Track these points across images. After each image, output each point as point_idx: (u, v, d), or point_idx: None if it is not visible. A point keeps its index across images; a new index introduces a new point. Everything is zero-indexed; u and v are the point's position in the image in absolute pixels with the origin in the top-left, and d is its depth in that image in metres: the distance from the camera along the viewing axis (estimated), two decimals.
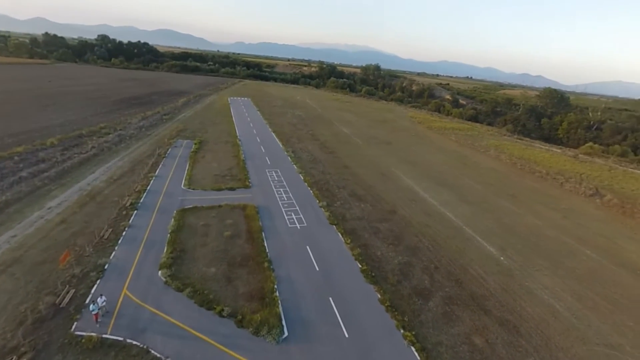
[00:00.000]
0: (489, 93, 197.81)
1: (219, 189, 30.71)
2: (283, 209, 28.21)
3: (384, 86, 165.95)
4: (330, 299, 18.21)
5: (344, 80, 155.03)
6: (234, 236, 23.21)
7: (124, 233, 22.42)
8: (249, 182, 33.02)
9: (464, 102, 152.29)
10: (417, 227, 27.83)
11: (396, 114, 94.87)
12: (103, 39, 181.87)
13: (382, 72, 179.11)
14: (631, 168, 63.51)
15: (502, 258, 24.96)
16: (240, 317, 16.00)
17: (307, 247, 22.86)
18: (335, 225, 26.34)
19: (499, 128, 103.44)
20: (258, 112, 73.59)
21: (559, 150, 72.76)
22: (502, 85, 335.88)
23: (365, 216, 28.67)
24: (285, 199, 30.37)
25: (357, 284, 19.73)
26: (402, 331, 16.50)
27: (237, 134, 51.76)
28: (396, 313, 17.63)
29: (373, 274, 20.64)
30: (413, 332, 16.44)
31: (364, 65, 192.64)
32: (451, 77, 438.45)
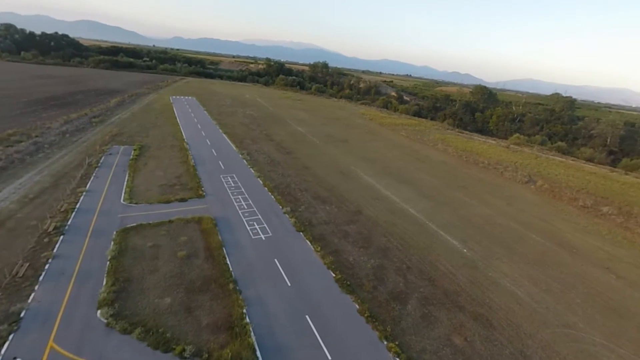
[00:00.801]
0: (428, 90, 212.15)
1: (168, 201, 27.10)
2: (244, 219, 25.82)
3: (332, 84, 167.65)
4: (307, 317, 16.72)
5: (294, 77, 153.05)
6: (191, 256, 20.38)
7: (46, 266, 18.22)
8: (202, 190, 29.79)
9: (408, 99, 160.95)
10: (384, 227, 27.60)
11: (348, 111, 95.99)
12: (8, 28, 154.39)
13: (330, 70, 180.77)
14: (551, 155, 72.34)
15: (465, 250, 25.84)
16: (207, 355, 13.72)
17: (276, 260, 21.02)
18: (302, 232, 24.83)
19: (441, 122, 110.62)
20: (205, 112, 68.31)
21: (494, 142, 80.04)
22: (437, 83, 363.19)
23: (332, 219, 27.63)
24: (246, 207, 27.94)
25: (334, 296, 18.53)
26: (385, 343, 15.71)
27: (184, 137, 47.06)
28: (377, 323, 16.81)
29: (348, 283, 19.62)
30: (396, 342, 15.75)
31: (311, 62, 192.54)
32: (393, 74, 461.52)
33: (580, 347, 17.69)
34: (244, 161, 39.55)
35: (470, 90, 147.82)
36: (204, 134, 50.46)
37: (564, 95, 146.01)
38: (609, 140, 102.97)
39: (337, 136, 60.63)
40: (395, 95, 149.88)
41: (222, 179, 33.46)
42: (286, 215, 27.16)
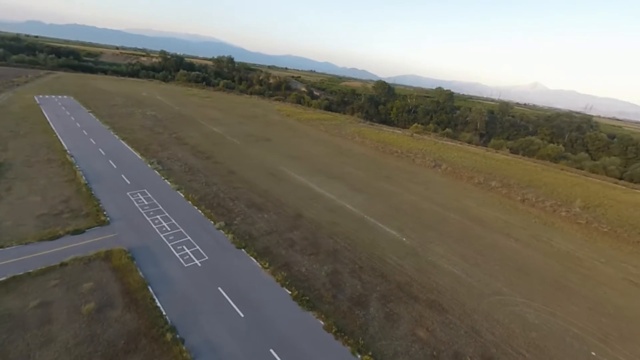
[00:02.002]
0: (334, 85, 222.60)
1: (55, 237, 20.39)
2: (170, 244, 21.38)
3: (241, 79, 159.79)
4: (272, 350, 14.54)
5: (197, 73, 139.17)
6: (103, 307, 15.56)
7: None
8: (104, 215, 23.52)
9: (318, 94, 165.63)
10: (327, 228, 26.83)
11: (263, 108, 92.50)
12: None
13: (236, 65, 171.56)
14: (444, 141, 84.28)
15: (404, 239, 27.17)
16: None
17: (220, 289, 17.88)
18: (244, 248, 21.98)
19: (351, 116, 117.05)
20: (92, 114, 55.46)
21: (400, 132, 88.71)
22: (340, 78, 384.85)
23: (274, 228, 25.42)
24: (169, 228, 23.26)
25: (295, 317, 16.71)
26: (359, 356, 14.85)
27: (66, 148, 36.86)
28: (346, 337, 15.80)
29: (307, 298, 18.05)
30: (370, 353, 15.07)
31: (215, 57, 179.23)
32: (298, 70, 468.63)
33: (509, 310, 20.30)
34: (156, 172, 33.25)
35: (373, 85, 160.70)
36: (94, 142, 40.66)
37: (444, 89, 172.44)
38: (478, 125, 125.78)
39: (258, 135, 57.38)
40: (305, 90, 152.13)
41: (131, 197, 27.25)
42: (221, 231, 23.71)
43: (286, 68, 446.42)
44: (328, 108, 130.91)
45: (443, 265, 24.11)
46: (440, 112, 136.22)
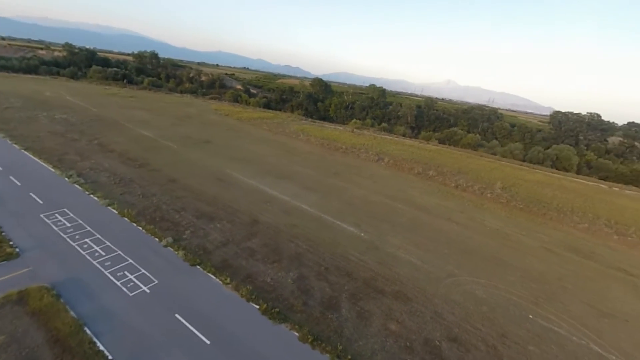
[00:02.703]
0: (271, 82, 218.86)
1: None
2: (106, 271, 18.19)
3: (168, 77, 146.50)
4: None
5: (115, 69, 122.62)
6: None
7: None
8: (10, 246, 18.92)
9: (255, 92, 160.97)
10: (286, 231, 25.92)
11: (198, 108, 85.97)
12: None
13: (162, 61, 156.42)
14: (383, 135, 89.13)
15: (362, 234, 27.72)
16: None
17: (178, 316, 15.79)
18: (199, 265, 19.88)
19: (291, 113, 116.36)
20: None
21: (341, 128, 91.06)
22: (275, 75, 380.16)
23: (230, 238, 23.57)
24: (103, 252, 19.79)
25: (267, 332, 15.64)
26: None
27: None
28: (323, 344, 15.34)
29: (277, 310, 17.06)
30: (349, 357, 14.85)
31: (135, 52, 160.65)
32: (230, 67, 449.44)
33: (463, 289, 22.14)
34: (77, 187, 28.07)
35: (310, 82, 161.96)
36: None
37: (377, 85, 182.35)
38: (409, 119, 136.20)
39: (197, 137, 53.00)
40: (242, 88, 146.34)
41: (46, 219, 22.47)
42: (169, 248, 21.08)
43: (218, 65, 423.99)
44: (267, 106, 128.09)
45: (401, 255, 25.22)
46: (375, 107, 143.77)
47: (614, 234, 39.54)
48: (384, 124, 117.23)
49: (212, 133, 57.65)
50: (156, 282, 17.93)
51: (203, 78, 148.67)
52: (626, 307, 23.87)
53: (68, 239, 20.63)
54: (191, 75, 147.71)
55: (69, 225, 22.20)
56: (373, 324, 17.36)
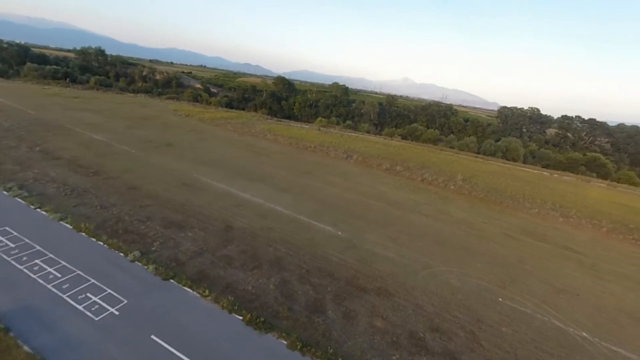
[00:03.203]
0: (231, 81, 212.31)
1: None
2: (64, 295, 16.21)
3: (118, 75, 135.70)
4: None
5: (55, 67, 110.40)
6: None
7: None
8: None
9: (215, 91, 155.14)
10: (263, 236, 25.17)
11: (155, 108, 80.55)
12: None
13: (109, 58, 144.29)
14: (349, 132, 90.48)
15: (339, 233, 27.80)
16: None
17: (154, 337, 14.53)
18: (172, 278, 18.52)
19: (255, 112, 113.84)
20: None
21: (307, 126, 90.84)
22: (235, 74, 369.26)
23: (204, 247, 22.30)
24: (58, 274, 17.60)
25: (254, 344, 15.00)
26: None
27: None
28: (313, 350, 15.07)
29: (262, 319, 16.42)
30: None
31: (77, 48, 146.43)
32: (186, 65, 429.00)
33: (439, 279, 23.10)
34: (19, 200, 24.69)
35: (273, 81, 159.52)
36: None
37: (339, 84, 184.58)
38: (372, 116, 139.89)
39: (157, 140, 49.58)
40: (201, 87, 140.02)
41: None
42: (137, 263, 19.38)
43: (172, 63, 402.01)
44: (229, 105, 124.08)
45: (379, 251, 25.69)
46: (338, 105, 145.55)
47: (559, 216, 43.82)
48: (349, 122, 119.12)
49: (173, 135, 54.28)
50: (125, 302, 16.38)
51: (157, 77, 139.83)
52: (576, 282, 26.53)
53: (13, 262, 18.08)
54: (144, 73, 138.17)
55: (12, 245, 19.48)
56: (359, 323, 17.44)
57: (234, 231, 25.10)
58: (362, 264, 23.44)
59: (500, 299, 22.12)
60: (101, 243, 20.84)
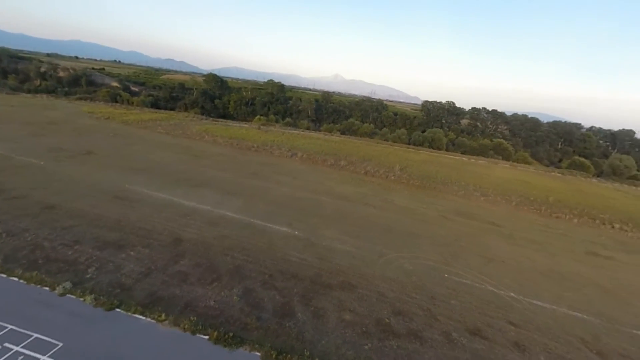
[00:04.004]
0: (155, 78, 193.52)
1: None
2: None
3: (5, 72, 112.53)
4: None
5: None
6: None
7: None
8: None
9: (137, 89, 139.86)
10: (218, 245, 23.68)
11: (64, 111, 68.87)
12: None
13: None
14: (290, 130, 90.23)
15: (296, 232, 27.68)
16: None
17: None
18: (118, 307, 16.25)
19: (187, 112, 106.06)
20: None
21: (246, 125, 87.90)
22: (158, 70, 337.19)
23: (152, 265, 20.03)
24: None
25: None
26: None
27: None
28: (289, 356, 14.81)
29: (230, 334, 15.52)
30: None
31: None
32: (95, 60, 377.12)
33: (394, 265, 24.69)
34: None
35: (204, 78, 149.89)
36: None
37: (274, 80, 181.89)
38: (309, 112, 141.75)
39: (72, 148, 42.58)
40: (119, 85, 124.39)
41: None
42: (70, 296, 16.50)
43: (77, 57, 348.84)
44: (155, 105, 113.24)
45: (336, 246, 26.32)
46: (276, 103, 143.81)
47: (480, 196, 50.42)
48: (288, 119, 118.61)
49: (92, 141, 47.21)
50: (60, 345, 13.86)
51: (61, 73, 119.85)
52: (500, 251, 30.94)
53: None
54: (43, 69, 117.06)
55: None
56: (329, 320, 17.70)
57: (184, 244, 23.10)
58: (323, 261, 23.76)
59: (446, 275, 24.62)
60: (15, 279, 17.21)
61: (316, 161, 55.28)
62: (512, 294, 23.42)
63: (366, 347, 16.16)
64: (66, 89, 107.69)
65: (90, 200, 27.69)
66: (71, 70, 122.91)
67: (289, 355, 14.76)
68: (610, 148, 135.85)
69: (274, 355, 14.58)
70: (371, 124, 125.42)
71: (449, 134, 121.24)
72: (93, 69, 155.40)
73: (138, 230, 24.04)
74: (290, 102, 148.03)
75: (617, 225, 44.48)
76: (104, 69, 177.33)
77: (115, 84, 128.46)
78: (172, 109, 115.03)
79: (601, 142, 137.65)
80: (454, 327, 18.82)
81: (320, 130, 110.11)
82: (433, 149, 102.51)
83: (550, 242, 35.51)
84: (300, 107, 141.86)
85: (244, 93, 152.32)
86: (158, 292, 17.77)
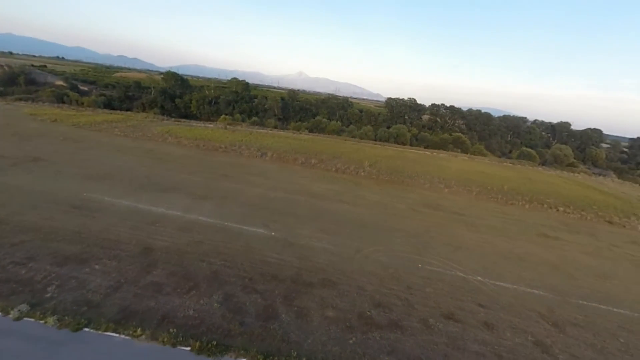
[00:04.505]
0: (106, 76, 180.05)
1: None
2: None
3: None
4: None
5: None
6: None
7: None
8: None
9: (86, 89, 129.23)
10: (192, 252, 22.76)
11: (1, 114, 61.63)
12: None
13: None
14: (257, 129, 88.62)
15: (273, 233, 27.43)
16: None
17: None
18: (87, 326, 15.07)
19: (147, 113, 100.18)
20: None
21: (211, 125, 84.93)
22: (109, 68, 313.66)
23: (121, 278, 18.75)
24: None
25: None
26: None
27: None
28: (276, 358, 14.77)
29: (214, 342, 15.10)
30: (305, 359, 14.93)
31: None
32: (33, 56, 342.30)
33: (371, 260, 25.42)
34: None
35: (162, 76, 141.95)
36: None
37: (239, 79, 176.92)
38: (276, 111, 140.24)
39: (14, 155, 38.25)
40: (66, 84, 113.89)
41: None
42: (28, 319, 14.97)
43: (11, 52, 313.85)
44: (108, 106, 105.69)
45: (314, 244, 26.51)
46: (241, 102, 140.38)
47: (444, 187, 53.37)
48: (255, 118, 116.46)
49: (39, 147, 42.77)
50: None
51: None
52: (465, 239, 33.03)
53: None
54: None
55: None
56: (313, 318, 17.85)
57: (155, 253, 21.91)
58: (302, 260, 23.83)
59: (419, 265, 25.85)
60: None
61: (287, 160, 54.95)
62: (479, 278, 25.19)
63: (351, 341, 16.56)
64: (1, 88, 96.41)
65: (43, 212, 25.19)
66: (6, 68, 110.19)
67: (276, 358, 14.71)
68: (551, 139, 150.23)
69: (260, 359, 14.44)
70: (338, 122, 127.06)
71: (412, 129, 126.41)
72: (32, 65, 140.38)
73: (102, 241, 22.35)
74: (256, 100, 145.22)
75: (560, 209, 49.45)
76: (45, 66, 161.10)
77: (60, 82, 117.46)
78: (129, 110, 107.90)
79: (543, 133, 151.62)
80: (430, 313, 19.87)
81: (288, 129, 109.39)
82: (398, 144, 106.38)
83: (508, 227, 38.62)
84: (266, 106, 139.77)
85: (207, 92, 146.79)
86: (131, 306, 16.74)
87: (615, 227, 45.12)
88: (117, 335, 14.88)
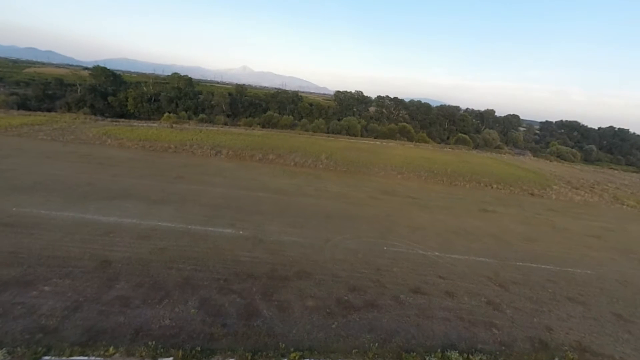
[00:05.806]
0: (15, 73, 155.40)
1: None
2: None
3: None
4: None
5: None
6: None
7: None
8: None
9: None
10: (157, 260, 21.38)
11: None
12: None
13: None
14: (207, 127, 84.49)
15: (241, 232, 26.95)
16: None
17: None
18: (47, 354, 13.53)
19: (76, 113, 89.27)
20: None
21: (155, 125, 78.79)
22: (16, 62, 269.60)
23: (79, 297, 16.91)
24: None
25: None
26: (286, 358, 14.74)
27: None
28: (265, 353, 14.89)
29: (198, 349, 14.66)
30: (292, 349, 15.28)
31: None
32: None
33: (341, 248, 26.46)
34: None
35: (90, 72, 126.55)
36: None
37: (180, 74, 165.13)
38: (224, 107, 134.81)
39: None
40: None
41: None
42: None
43: None
44: (24, 107, 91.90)
45: (284, 239, 26.69)
46: (184, 98, 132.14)
47: (397, 174, 56.90)
48: (202, 115, 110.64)
49: None
50: None
51: None
52: (421, 220, 35.99)
53: None
54: None
55: None
56: (295, 309, 18.23)
57: (115, 265, 20.17)
58: (275, 255, 23.92)
59: (385, 248, 27.62)
60: None
61: (244, 157, 53.56)
62: (436, 253, 27.77)
63: (333, 325, 17.32)
64: None
65: None
66: None
67: (265, 353, 14.85)
68: (480, 125, 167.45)
69: (249, 357, 14.46)
70: (290, 116, 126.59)
71: (361, 121, 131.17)
72: None
73: (47, 260, 19.87)
74: (202, 96, 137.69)
75: (494, 186, 56.08)
76: None
77: None
78: (51, 110, 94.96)
79: (474, 120, 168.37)
80: (400, 290, 21.51)
81: (239, 125, 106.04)
82: (350, 135, 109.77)
83: (454, 206, 42.79)
84: (213, 102, 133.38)
85: (145, 88, 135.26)
86: (97, 325, 15.37)
87: (536, 198, 52.71)
88: (86, 358, 13.65)
